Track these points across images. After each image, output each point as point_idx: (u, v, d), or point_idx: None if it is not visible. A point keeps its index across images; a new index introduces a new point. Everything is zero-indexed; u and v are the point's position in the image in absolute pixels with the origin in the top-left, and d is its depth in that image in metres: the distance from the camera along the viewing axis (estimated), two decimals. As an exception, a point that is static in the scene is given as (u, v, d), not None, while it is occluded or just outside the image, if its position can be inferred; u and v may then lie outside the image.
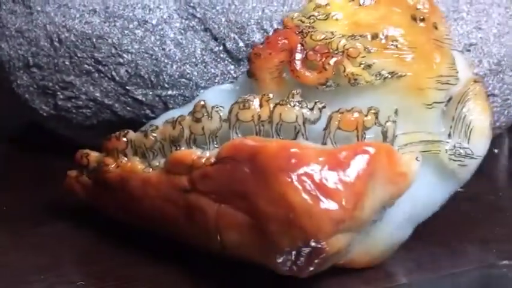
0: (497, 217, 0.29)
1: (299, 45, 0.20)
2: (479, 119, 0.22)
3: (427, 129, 0.21)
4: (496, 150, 0.37)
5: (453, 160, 0.21)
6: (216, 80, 0.25)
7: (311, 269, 0.20)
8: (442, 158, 0.21)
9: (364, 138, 0.20)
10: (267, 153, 0.19)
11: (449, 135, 0.22)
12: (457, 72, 0.21)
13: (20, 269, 0.22)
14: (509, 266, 0.24)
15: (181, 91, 0.25)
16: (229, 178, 0.19)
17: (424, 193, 0.22)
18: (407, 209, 0.22)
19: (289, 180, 0.18)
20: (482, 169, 0.33)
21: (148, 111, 0.26)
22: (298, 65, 0.20)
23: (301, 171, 0.18)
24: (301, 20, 0.21)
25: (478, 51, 0.27)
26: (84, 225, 0.25)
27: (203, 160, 0.20)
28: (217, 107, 0.21)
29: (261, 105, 0.20)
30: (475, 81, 0.22)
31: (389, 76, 0.20)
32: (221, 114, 0.20)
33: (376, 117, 0.20)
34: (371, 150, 0.19)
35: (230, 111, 0.20)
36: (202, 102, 0.21)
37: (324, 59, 0.20)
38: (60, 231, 0.25)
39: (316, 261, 0.19)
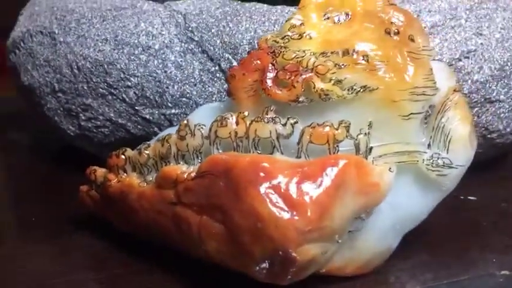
0: (505, 225, 0.28)
1: (270, 65, 0.21)
2: (458, 128, 0.22)
3: (405, 140, 0.22)
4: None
5: (431, 170, 0.21)
6: (214, 98, 0.27)
7: (289, 277, 0.21)
8: (421, 169, 0.22)
9: (337, 151, 0.21)
10: (238, 167, 0.20)
11: (429, 145, 0.22)
12: (435, 82, 0.22)
13: (40, 274, 0.25)
14: (509, 276, 0.24)
15: (183, 109, 0.27)
16: (208, 191, 0.21)
17: (406, 202, 0.22)
18: (389, 218, 0.22)
19: (258, 193, 0.19)
20: (495, 177, 0.33)
21: (156, 129, 0.28)
22: (269, 83, 0.21)
23: (268, 184, 0.20)
24: (275, 41, 0.22)
25: (478, 57, 0.27)
26: (98, 235, 0.27)
27: (185, 175, 0.22)
28: (199, 125, 0.22)
29: (237, 123, 0.21)
30: (455, 91, 0.22)
31: (362, 90, 0.21)
32: (202, 131, 0.22)
33: (347, 131, 0.21)
34: (340, 162, 0.20)
35: (210, 129, 0.22)
36: (185, 121, 0.22)
37: (293, 77, 0.21)
38: (77, 240, 0.27)
39: (291, 269, 0.20)
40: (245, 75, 0.21)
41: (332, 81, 0.21)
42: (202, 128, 0.22)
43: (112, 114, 0.29)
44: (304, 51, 0.21)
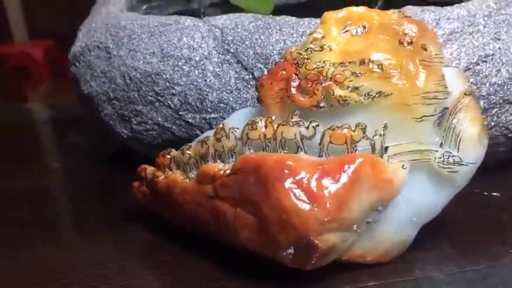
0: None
1: (294, 75, 0.24)
2: (468, 129, 0.23)
3: (418, 139, 0.24)
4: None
5: (442, 167, 0.23)
6: (248, 103, 0.30)
7: (313, 262, 0.23)
8: (433, 166, 0.24)
9: (355, 150, 0.23)
10: (266, 165, 0.23)
11: (441, 144, 0.24)
12: (446, 87, 0.24)
13: (95, 262, 0.28)
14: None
15: (221, 114, 0.30)
16: (240, 186, 0.24)
17: (421, 197, 0.24)
18: (405, 211, 0.24)
19: (283, 187, 0.22)
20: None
21: (198, 131, 0.32)
22: (293, 91, 0.24)
23: (292, 180, 0.22)
24: (299, 53, 0.24)
25: (496, 61, 0.29)
26: (148, 227, 0.31)
27: (221, 172, 0.25)
28: (233, 128, 0.25)
29: (266, 126, 0.24)
30: (466, 94, 0.24)
31: (377, 96, 0.23)
32: (236, 134, 0.25)
33: (364, 132, 0.23)
34: (356, 160, 0.23)
35: (242, 132, 0.25)
36: (221, 125, 0.25)
37: (314, 85, 0.23)
38: (129, 233, 0.31)
39: (314, 255, 0.23)
40: (272, 84, 0.24)
41: (349, 88, 0.23)
42: (235, 130, 0.25)
43: (159, 119, 0.32)
44: (324, 61, 0.24)
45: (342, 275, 0.25)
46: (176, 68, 0.31)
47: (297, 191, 0.22)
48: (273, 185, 0.22)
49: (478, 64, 0.28)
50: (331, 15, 0.25)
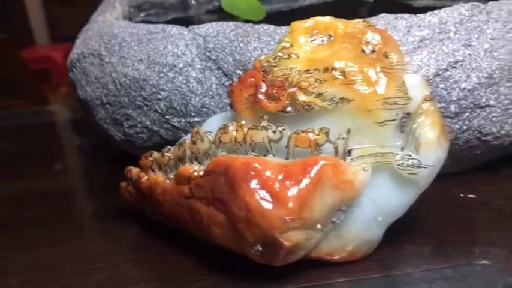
0: (498, 222, 0.30)
1: (262, 82, 0.25)
2: (428, 133, 0.25)
3: (380, 143, 0.25)
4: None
5: (402, 170, 0.25)
6: (228, 108, 0.31)
7: (280, 258, 0.25)
8: (394, 168, 0.25)
9: (320, 153, 0.25)
10: (234, 167, 0.24)
11: (403, 148, 0.25)
12: (406, 93, 0.25)
13: (84, 256, 0.30)
14: (486, 265, 0.26)
15: (204, 118, 0.32)
16: (213, 187, 0.25)
17: (385, 197, 0.25)
18: (370, 211, 0.26)
19: (248, 188, 0.24)
20: (497, 176, 0.35)
21: (183, 134, 0.33)
22: (261, 97, 0.25)
23: (257, 181, 0.24)
24: (268, 61, 0.26)
25: (466, 67, 0.29)
26: (135, 223, 0.32)
27: (196, 174, 0.26)
28: (207, 132, 0.27)
29: (236, 130, 0.26)
30: (426, 100, 0.25)
31: (340, 101, 0.24)
32: (210, 137, 0.26)
33: (327, 136, 0.24)
34: (318, 163, 0.24)
35: (215, 135, 0.26)
36: (196, 129, 0.27)
37: (279, 91, 0.25)
38: (117, 228, 0.33)
39: (281, 252, 0.24)
40: (241, 90, 0.25)
41: (313, 95, 0.24)
42: (209, 134, 0.27)
43: (148, 123, 0.34)
44: (291, 69, 0.25)
45: (312, 272, 0.27)
46: (161, 75, 0.33)
47: (262, 192, 0.24)
48: (240, 185, 0.24)
49: (447, 70, 0.29)
50: (298, 25, 0.26)
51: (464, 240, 0.29)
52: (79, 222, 0.35)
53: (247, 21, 0.42)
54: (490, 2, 0.32)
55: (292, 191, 0.23)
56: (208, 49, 0.32)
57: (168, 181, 0.28)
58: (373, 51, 0.25)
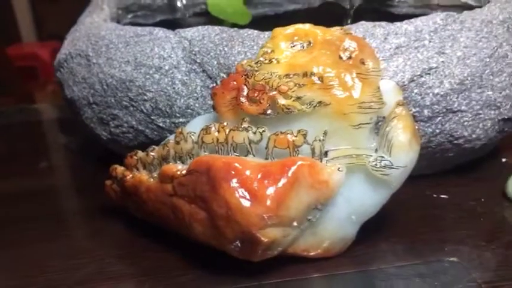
0: (468, 221, 0.32)
1: (243, 85, 0.26)
2: (400, 136, 0.26)
3: (355, 145, 0.26)
4: (504, 160, 0.39)
5: (375, 170, 0.26)
6: (211, 110, 0.32)
7: (258, 254, 0.26)
8: (368, 169, 0.26)
9: (298, 154, 0.26)
10: (215, 166, 0.25)
11: (377, 149, 0.26)
12: (381, 98, 0.26)
13: (73, 250, 0.31)
14: (453, 262, 0.28)
15: (189, 118, 0.33)
16: (194, 185, 0.26)
17: (359, 197, 0.27)
18: (345, 210, 0.27)
19: (228, 186, 0.25)
20: (470, 178, 0.36)
21: (168, 134, 0.34)
22: (242, 100, 0.26)
23: (237, 180, 0.25)
24: (250, 65, 0.27)
25: (439, 73, 0.31)
26: (120, 220, 0.33)
27: (178, 172, 0.27)
28: (191, 133, 0.28)
29: (218, 131, 0.27)
30: (399, 105, 0.26)
31: (318, 105, 0.26)
32: (193, 138, 0.28)
33: (305, 138, 0.25)
34: (296, 163, 0.25)
35: (198, 136, 0.27)
36: (180, 129, 0.28)
37: (260, 95, 0.26)
38: (102, 225, 0.34)
39: (258, 247, 0.25)
40: (224, 93, 0.27)
41: (293, 98, 0.26)
42: (193, 134, 0.28)
43: (134, 122, 0.35)
44: (272, 73, 0.26)
45: (289, 267, 0.28)
46: (148, 76, 0.33)
47: (241, 190, 0.25)
48: (220, 184, 0.25)
49: (422, 76, 0.31)
50: (280, 31, 0.27)
51: (435, 238, 0.30)
52: (65, 219, 0.36)
53: (233, 24, 0.43)
54: (464, 12, 0.33)
55: (270, 190, 0.25)
56: (193, 52, 0.33)
57: (152, 180, 0.29)
58: (349, 58, 0.26)
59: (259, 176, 0.25)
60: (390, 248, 0.30)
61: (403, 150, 0.26)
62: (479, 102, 0.32)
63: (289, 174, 0.25)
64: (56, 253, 0.31)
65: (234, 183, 0.25)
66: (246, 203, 0.24)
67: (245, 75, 0.26)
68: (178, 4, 0.49)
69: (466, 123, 0.32)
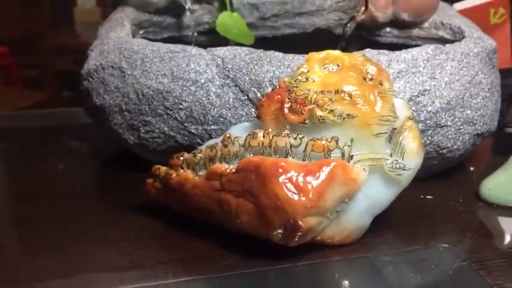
0: (452, 217, 0.38)
1: (287, 99, 0.32)
2: (410, 144, 0.32)
3: (375, 150, 0.32)
4: (472, 168, 0.47)
5: (391, 171, 0.32)
6: (243, 119, 0.37)
7: (296, 240, 0.31)
8: (385, 170, 0.32)
9: (330, 156, 0.31)
10: (265, 165, 0.31)
11: (391, 154, 0.33)
12: (395, 113, 0.32)
13: (116, 243, 0.35)
14: (446, 247, 0.34)
15: (220, 126, 0.38)
16: (243, 181, 0.31)
17: (376, 193, 0.33)
18: (364, 204, 0.33)
19: (277, 182, 0.30)
20: (449, 182, 0.43)
21: (199, 140, 0.39)
22: (286, 111, 0.32)
23: (285, 176, 0.30)
24: (290, 82, 0.33)
25: (432, 94, 0.38)
26: (156, 215, 0.38)
27: (228, 171, 0.32)
28: (238, 137, 0.33)
29: (263, 136, 0.32)
30: (409, 119, 0.33)
31: (347, 117, 0.32)
32: (240, 141, 0.33)
33: (337, 143, 0.31)
34: (331, 164, 0.31)
35: (245, 140, 0.32)
36: (228, 134, 0.33)
37: (302, 107, 0.31)
38: (141, 220, 0.38)
39: (297, 234, 0.31)
40: (270, 105, 0.32)
41: (327, 111, 0.31)
42: (239, 139, 0.33)
43: (166, 129, 0.40)
44: (309, 90, 0.32)
45: (315, 252, 0.33)
46: (184, 88, 0.38)
47: (288, 185, 0.30)
48: (270, 180, 0.30)
49: (418, 96, 0.38)
50: (314, 56, 0.33)
51: (428, 230, 0.37)
52: (94, 215, 0.40)
53: (237, 44, 0.49)
54: (447, 45, 0.40)
55: (312, 185, 0.30)
56: (227, 69, 0.38)
57: (198, 178, 0.34)
58: (371, 79, 0.32)
59: (302, 173, 0.30)
60: (394, 237, 0.36)
61: (413, 156, 0.32)
62: (461, 119, 0.39)
63: (327, 172, 0.30)
64: (99, 242, 0.35)
65: (282, 179, 0.30)
66: (293, 196, 0.30)
67: (288, 90, 0.32)
68: (186, 23, 0.53)
69: (450, 136, 0.39)
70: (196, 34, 0.53)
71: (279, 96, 0.32)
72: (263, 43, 0.43)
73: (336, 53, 0.33)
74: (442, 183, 0.43)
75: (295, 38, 0.54)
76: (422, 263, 0.33)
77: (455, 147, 0.40)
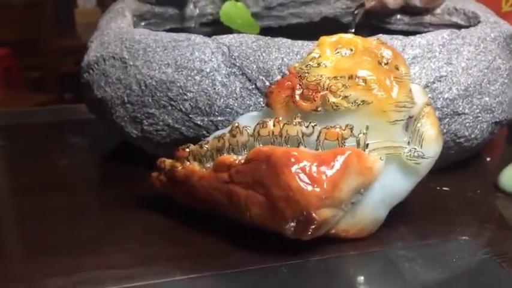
0: (469, 209, 0.37)
1: (298, 85, 0.30)
2: (429, 131, 0.31)
3: (391, 138, 0.30)
4: (488, 159, 0.45)
5: (409, 160, 0.30)
6: (250, 109, 0.36)
7: (309, 233, 0.30)
8: (402, 159, 0.31)
9: (344, 145, 0.30)
10: (276, 155, 0.29)
11: (409, 142, 0.31)
12: (412, 99, 0.31)
13: (121, 236, 0.34)
14: (466, 240, 0.33)
15: (227, 117, 0.36)
16: (253, 172, 0.30)
17: (392, 183, 0.31)
18: (380, 195, 0.31)
19: (290, 172, 0.28)
20: (466, 173, 0.42)
21: (204, 132, 0.37)
22: (297, 98, 0.30)
23: (297, 166, 0.28)
24: (301, 68, 0.31)
25: (448, 81, 0.36)
26: (162, 210, 0.36)
27: (236, 161, 0.31)
28: (246, 127, 0.31)
29: (274, 125, 0.30)
30: (427, 105, 0.31)
31: (361, 103, 0.30)
32: (249, 131, 0.31)
33: (351, 131, 0.30)
34: (346, 152, 0.29)
35: (254, 129, 0.31)
36: (236, 124, 0.31)
37: (314, 93, 0.30)
38: (146, 215, 0.36)
39: (311, 227, 0.29)
40: (280, 92, 0.30)
41: (341, 97, 0.30)
42: (248, 128, 0.31)
43: (170, 121, 0.38)
44: (321, 75, 0.30)
45: (329, 246, 0.32)
46: (189, 78, 0.37)
47: (301, 175, 0.28)
48: (282, 170, 0.29)
49: (434, 83, 0.36)
50: (325, 40, 0.31)
51: (445, 222, 0.35)
52: (100, 209, 0.38)
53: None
54: (463, 30, 0.39)
55: (326, 175, 0.28)
56: (233, 57, 0.36)
57: (205, 169, 0.32)
58: (386, 64, 0.31)
59: (315, 163, 0.29)
60: (410, 230, 0.34)
61: (432, 143, 0.31)
62: (479, 106, 0.37)
63: (341, 161, 0.29)
64: (105, 237, 0.33)
65: (294, 169, 0.28)
66: (306, 186, 0.28)
67: (299, 76, 0.30)
68: (189, 14, 0.52)
69: (467, 124, 0.37)
70: (196, 25, 0.51)
71: (290, 83, 0.30)
72: (269, 33, 0.41)
73: (349, 36, 0.32)
74: (458, 174, 0.41)
75: (301, 28, 0.53)
76: (442, 256, 0.31)
77: (472, 135, 0.38)
